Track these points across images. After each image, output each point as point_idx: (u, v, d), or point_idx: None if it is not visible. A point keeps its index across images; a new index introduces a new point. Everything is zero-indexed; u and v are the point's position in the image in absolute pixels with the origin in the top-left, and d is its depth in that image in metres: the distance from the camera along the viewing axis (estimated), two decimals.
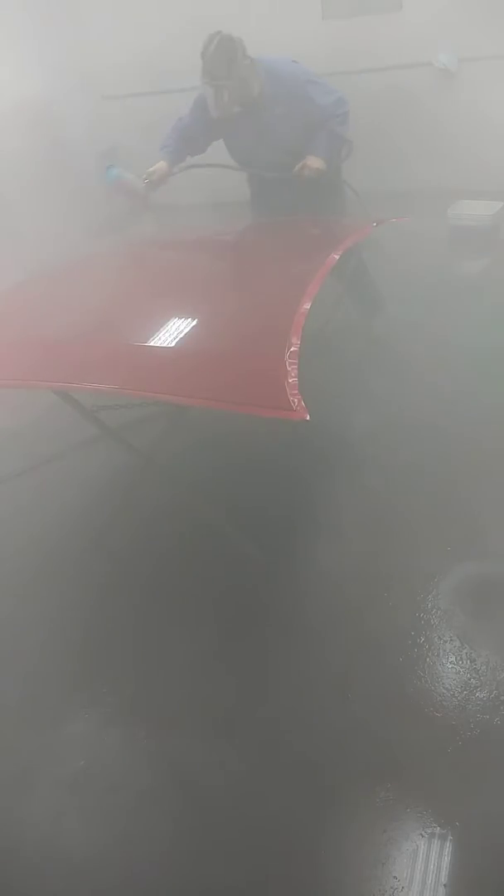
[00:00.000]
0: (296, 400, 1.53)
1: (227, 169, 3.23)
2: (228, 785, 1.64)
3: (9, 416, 3.19)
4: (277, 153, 2.99)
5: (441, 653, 1.89)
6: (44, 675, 1.98)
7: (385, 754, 1.66)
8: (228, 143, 3.15)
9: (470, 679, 1.80)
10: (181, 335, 1.93)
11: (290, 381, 1.59)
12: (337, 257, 2.28)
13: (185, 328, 1.96)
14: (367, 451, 2.71)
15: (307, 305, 1.92)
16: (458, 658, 1.87)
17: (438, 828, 1.50)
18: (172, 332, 1.94)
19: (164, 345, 1.89)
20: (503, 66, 4.54)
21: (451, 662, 1.86)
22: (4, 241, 4.41)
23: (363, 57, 4.73)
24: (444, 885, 1.41)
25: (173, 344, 1.89)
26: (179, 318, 2.01)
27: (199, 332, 1.97)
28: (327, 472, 2.63)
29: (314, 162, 2.91)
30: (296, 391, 1.56)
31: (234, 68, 2.74)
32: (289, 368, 1.63)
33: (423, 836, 1.49)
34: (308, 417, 1.50)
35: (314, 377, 1.94)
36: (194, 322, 2.00)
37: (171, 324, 1.98)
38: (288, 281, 2.22)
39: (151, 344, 1.91)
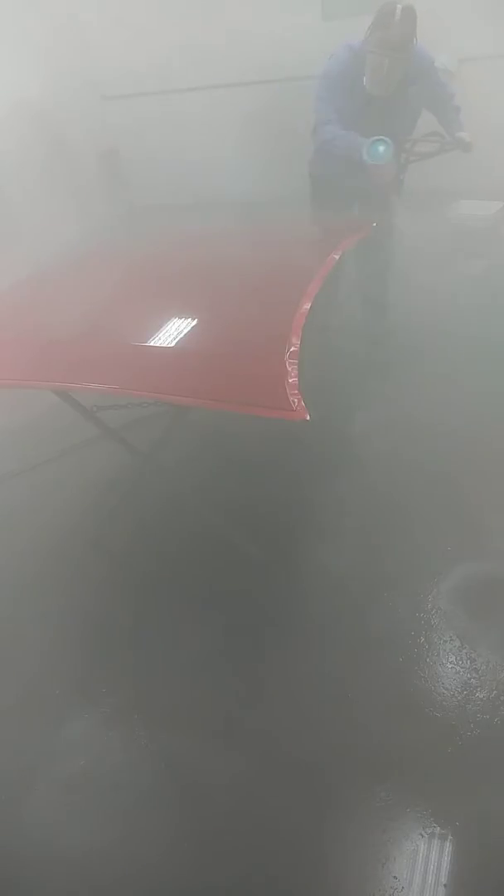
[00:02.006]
0: (296, 400, 1.54)
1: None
2: (228, 785, 1.64)
3: (9, 415, 3.19)
4: (397, 133, 2.84)
5: (441, 653, 1.89)
6: (44, 675, 1.98)
7: (385, 754, 1.66)
8: (349, 117, 2.80)
9: (470, 679, 1.80)
10: (181, 335, 1.93)
11: (290, 381, 1.59)
12: (337, 257, 2.29)
13: (185, 328, 1.96)
14: (366, 450, 2.71)
15: (307, 306, 1.92)
16: (458, 658, 1.87)
17: (438, 828, 1.50)
18: (172, 333, 1.94)
19: (165, 345, 1.89)
20: (503, 66, 4.55)
21: (451, 662, 1.86)
22: (5, 240, 4.40)
23: None
24: (444, 886, 1.41)
25: (173, 344, 1.89)
26: (179, 318, 2.01)
27: (199, 332, 1.97)
28: (327, 472, 2.63)
29: (467, 136, 2.88)
30: (296, 391, 1.56)
31: (414, 41, 2.59)
32: (289, 368, 1.63)
33: (423, 836, 1.49)
34: (308, 417, 1.50)
35: (314, 377, 1.94)
36: (194, 322, 2.00)
37: (171, 324, 1.98)
38: (288, 281, 2.21)
39: (152, 344, 1.91)
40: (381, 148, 2.64)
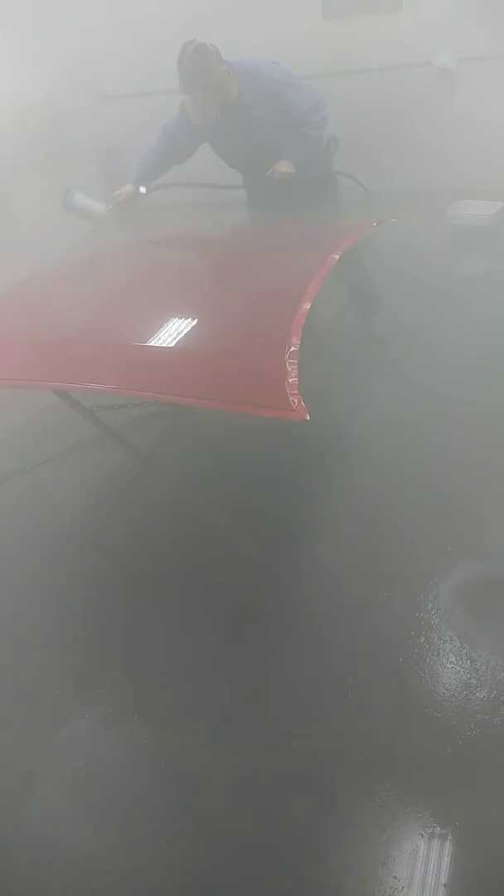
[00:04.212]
0: (296, 400, 1.53)
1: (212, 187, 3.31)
2: (228, 785, 1.64)
3: (8, 415, 3.19)
4: (260, 154, 3.01)
5: (441, 653, 1.88)
6: (43, 674, 1.98)
7: (385, 754, 1.66)
8: (214, 146, 3.17)
9: (470, 679, 1.80)
10: (181, 335, 1.93)
11: (289, 381, 1.59)
12: (337, 257, 2.28)
13: (184, 328, 1.96)
14: (366, 450, 2.71)
15: (307, 305, 1.92)
16: (458, 658, 1.87)
17: (438, 828, 1.50)
18: (172, 332, 1.94)
19: (164, 345, 1.89)
20: (503, 66, 4.55)
21: (451, 662, 1.86)
22: (4, 241, 4.40)
23: (363, 57, 4.73)
24: (444, 886, 1.40)
25: (173, 344, 1.89)
26: (179, 317, 2.01)
27: (198, 331, 1.97)
28: (327, 472, 2.63)
29: (284, 166, 2.94)
30: (296, 391, 1.56)
31: (210, 76, 2.76)
32: (288, 368, 1.63)
33: (423, 836, 1.49)
34: (308, 417, 1.50)
35: (314, 377, 1.94)
36: (194, 322, 2.00)
37: (170, 324, 1.98)
38: (288, 281, 2.21)
39: (151, 344, 1.91)
40: (69, 199, 3.18)
